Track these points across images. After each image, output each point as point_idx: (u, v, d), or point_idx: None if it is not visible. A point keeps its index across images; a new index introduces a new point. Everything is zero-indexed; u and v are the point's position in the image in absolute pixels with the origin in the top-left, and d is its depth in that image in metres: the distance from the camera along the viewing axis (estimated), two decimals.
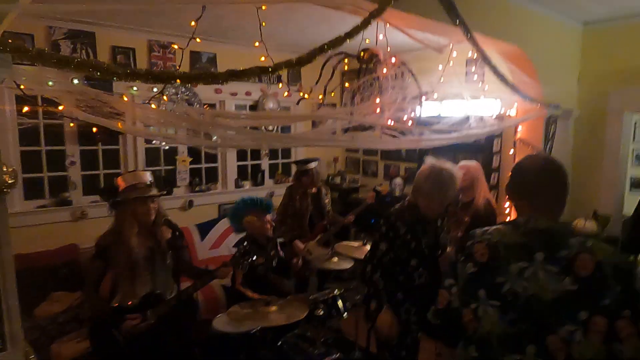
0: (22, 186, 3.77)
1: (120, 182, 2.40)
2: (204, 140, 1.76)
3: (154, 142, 4.41)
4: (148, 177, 2.40)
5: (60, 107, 2.02)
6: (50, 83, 3.84)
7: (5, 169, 1.17)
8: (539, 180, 1.32)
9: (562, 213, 1.32)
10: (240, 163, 5.20)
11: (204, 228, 4.53)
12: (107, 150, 4.20)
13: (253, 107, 5.20)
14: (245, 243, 3.08)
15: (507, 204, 3.61)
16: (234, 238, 4.64)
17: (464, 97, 2.78)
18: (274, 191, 5.39)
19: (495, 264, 1.30)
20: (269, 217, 3.25)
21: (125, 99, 2.01)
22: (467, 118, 2.84)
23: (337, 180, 5.69)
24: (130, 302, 2.29)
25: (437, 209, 2.17)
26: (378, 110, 2.04)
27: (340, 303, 2.89)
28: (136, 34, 4.19)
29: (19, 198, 3.74)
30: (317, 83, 2.55)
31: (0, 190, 1.12)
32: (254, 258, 2.70)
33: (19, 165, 3.72)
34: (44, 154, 3.88)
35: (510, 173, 1.40)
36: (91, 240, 3.90)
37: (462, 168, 2.78)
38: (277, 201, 5.39)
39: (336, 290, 2.94)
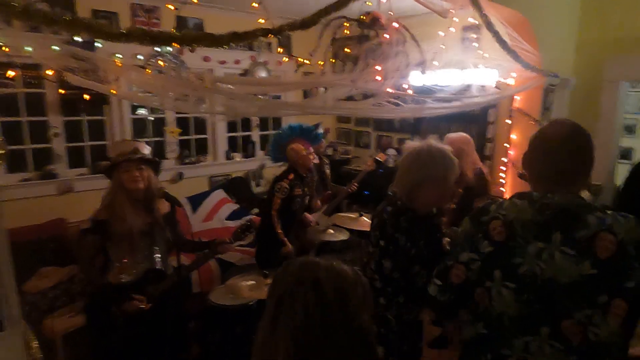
0: (4, 159, 3.61)
1: (109, 152, 2.30)
2: (209, 109, 1.65)
3: (138, 111, 4.25)
4: (139, 145, 2.26)
5: (50, 72, 1.88)
6: (28, 49, 3.65)
7: None
8: (565, 150, 1.22)
9: (584, 187, 1.25)
10: (231, 134, 5.08)
11: (196, 200, 4.45)
12: (92, 121, 4.03)
13: (242, 75, 5.02)
14: (290, 175, 3.12)
15: (504, 174, 3.61)
16: (226, 210, 4.59)
17: (465, 66, 2.71)
18: (265, 162, 5.30)
19: (512, 244, 1.23)
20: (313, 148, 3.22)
21: (119, 64, 1.86)
22: (468, 87, 2.78)
23: (329, 151, 5.63)
24: (128, 279, 2.22)
25: (432, 198, 1.78)
26: (379, 77, 1.96)
27: None
28: None
29: (1, 171, 3.58)
30: (312, 52, 2.44)
31: None
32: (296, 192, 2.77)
33: None
34: (25, 124, 3.70)
35: (531, 140, 1.30)
36: (78, 215, 3.82)
37: (447, 139, 2.75)
38: (268, 173, 5.34)
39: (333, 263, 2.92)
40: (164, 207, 2.37)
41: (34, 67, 3.68)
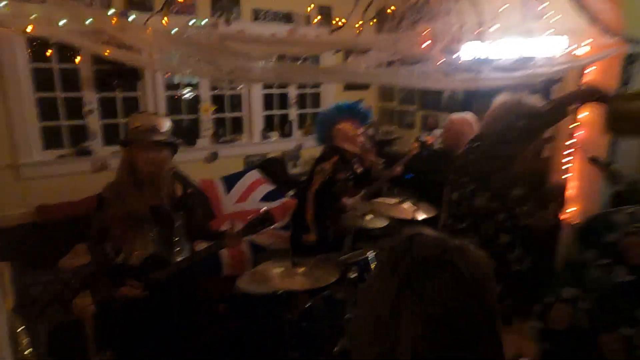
0: (41, 135, 3.61)
1: (129, 124, 2.12)
2: (216, 73, 1.43)
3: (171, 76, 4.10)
4: (158, 121, 2.06)
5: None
6: (60, 23, 3.57)
7: None
8: None
9: None
10: (267, 112, 4.87)
11: (230, 181, 4.31)
12: (126, 97, 3.95)
13: None
14: (334, 157, 2.89)
15: (569, 159, 3.15)
16: (261, 191, 4.43)
17: (530, 31, 2.31)
18: (302, 143, 5.08)
19: None
20: (361, 129, 2.99)
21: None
22: (530, 58, 2.38)
23: (370, 131, 5.30)
24: (131, 262, 2.09)
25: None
26: (427, 40, 1.64)
27: (373, 266, 2.63)
28: None
29: (37, 148, 3.58)
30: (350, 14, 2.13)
31: None
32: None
33: (35, 112, 3.54)
34: (61, 101, 3.67)
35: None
36: None
37: (448, 121, 2.85)
38: (305, 154, 5.12)
39: (370, 251, 2.67)
40: (176, 189, 2.19)
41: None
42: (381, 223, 2.97)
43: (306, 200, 2.96)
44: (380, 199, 3.09)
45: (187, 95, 4.46)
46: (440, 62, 1.69)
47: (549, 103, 2.09)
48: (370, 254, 2.64)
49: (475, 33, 1.83)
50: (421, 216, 2.75)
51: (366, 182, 3.32)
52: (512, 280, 1.89)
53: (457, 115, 2.94)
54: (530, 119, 1.73)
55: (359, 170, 3.21)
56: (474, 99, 4.17)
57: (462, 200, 1.88)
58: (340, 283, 2.56)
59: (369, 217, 3.04)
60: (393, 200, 2.93)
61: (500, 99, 2.03)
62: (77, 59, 3.32)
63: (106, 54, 2.09)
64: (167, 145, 2.07)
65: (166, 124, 2.12)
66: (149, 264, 2.07)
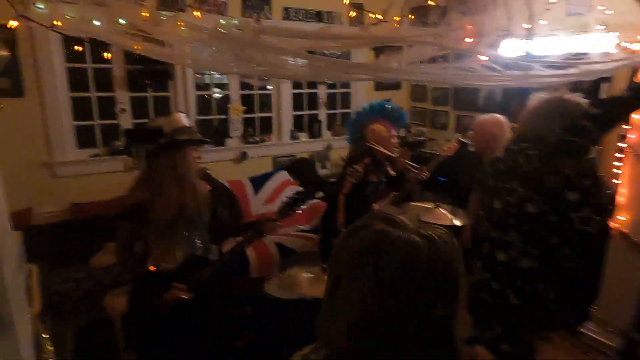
0: (75, 134, 3.66)
1: (164, 123, 2.03)
2: (244, 68, 1.35)
3: (213, 90, 4.11)
4: (183, 119, 2.03)
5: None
6: (96, 22, 3.60)
7: None
8: None
9: None
10: (297, 113, 4.81)
11: (258, 181, 4.27)
12: (157, 97, 3.97)
13: (310, 51, 4.71)
14: (366, 158, 2.79)
15: (620, 163, 2.94)
16: (289, 192, 4.35)
17: (585, 25, 2.15)
18: (332, 143, 4.99)
19: None
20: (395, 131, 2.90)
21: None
22: (583, 54, 2.22)
23: (401, 132, 5.16)
24: (169, 266, 2.04)
25: None
26: (470, 36, 1.52)
27: None
28: None
29: (71, 146, 3.64)
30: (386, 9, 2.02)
31: None
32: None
33: (70, 111, 3.59)
34: (94, 100, 3.72)
35: None
36: None
37: (477, 122, 2.74)
38: (334, 155, 5.03)
39: None
40: (204, 188, 2.14)
41: (102, 41, 3.66)
42: None
43: (337, 204, 2.86)
44: (413, 203, 2.95)
45: (216, 95, 4.46)
46: (487, 57, 1.56)
47: (608, 100, 1.90)
48: None
49: (524, 27, 1.69)
50: (458, 222, 2.61)
51: (399, 186, 3.20)
52: (561, 285, 1.74)
53: (488, 116, 2.79)
54: (601, 118, 1.56)
55: (392, 173, 3.09)
56: (513, 100, 3.97)
57: (509, 208, 1.73)
58: None
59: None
60: (428, 205, 2.80)
61: (538, 98, 1.85)
62: (109, 56, 3.36)
63: (138, 49, 2.06)
64: (202, 143, 2.03)
65: (186, 119, 2.08)
66: (190, 264, 2.03)
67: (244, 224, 2.32)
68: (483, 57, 1.63)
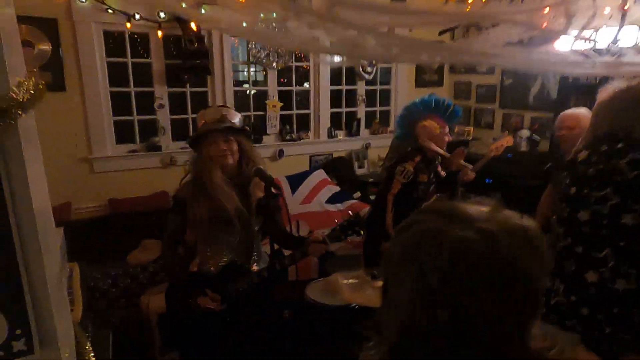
0: (113, 129, 3.63)
1: (198, 120, 1.97)
2: (313, 47, 1.21)
3: (244, 85, 4.03)
4: (227, 112, 1.90)
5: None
6: (136, 16, 3.56)
7: (18, 80, 0.72)
8: None
9: None
10: (335, 110, 4.66)
11: (295, 180, 4.14)
12: (195, 93, 3.90)
13: None
14: (417, 157, 2.63)
15: None
16: (326, 192, 4.22)
17: None
18: (370, 142, 4.81)
19: None
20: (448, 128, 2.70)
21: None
22: None
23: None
24: (208, 270, 1.93)
25: None
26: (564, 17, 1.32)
27: None
28: None
29: (110, 142, 3.61)
30: None
31: (7, 110, 0.68)
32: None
33: (109, 106, 3.57)
34: (133, 95, 3.68)
35: None
36: None
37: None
38: (373, 154, 4.86)
39: None
40: (258, 189, 2.00)
41: (142, 35, 3.63)
42: None
43: (385, 205, 2.69)
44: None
45: (252, 92, 4.37)
46: (578, 42, 1.36)
47: None
48: None
49: (619, 9, 1.48)
50: None
51: (448, 187, 3.00)
52: None
53: (573, 112, 2.55)
54: None
55: (442, 173, 2.90)
56: (570, 97, 3.69)
57: (599, 219, 1.49)
58: None
59: None
60: (484, 208, 2.58)
61: (614, 89, 1.56)
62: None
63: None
64: (236, 133, 1.88)
65: (236, 116, 1.95)
66: (227, 272, 1.91)
67: (296, 238, 2.11)
68: (581, 42, 1.43)
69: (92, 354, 0.98)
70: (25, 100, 0.71)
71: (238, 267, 1.93)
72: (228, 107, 1.99)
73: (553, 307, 1.53)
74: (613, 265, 1.43)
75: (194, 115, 3.92)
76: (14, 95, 0.68)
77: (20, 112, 0.71)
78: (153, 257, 3.40)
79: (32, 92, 0.73)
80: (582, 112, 2.53)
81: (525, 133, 4.06)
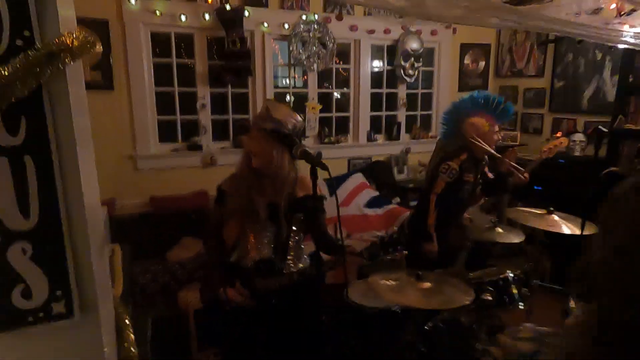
0: (156, 128, 3.71)
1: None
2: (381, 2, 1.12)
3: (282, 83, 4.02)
4: (281, 112, 1.80)
5: None
6: (182, 18, 3.64)
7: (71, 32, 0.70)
8: None
9: None
10: (374, 113, 4.58)
11: (333, 183, 4.07)
12: (236, 94, 3.93)
13: (392, 47, 4.48)
14: (463, 154, 2.55)
15: None
16: (365, 196, 4.13)
17: None
18: (410, 147, 4.69)
19: None
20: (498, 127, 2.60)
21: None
22: None
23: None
24: (243, 263, 1.88)
25: None
26: None
27: (514, 288, 2.16)
28: None
29: (154, 140, 3.69)
30: None
31: (57, 54, 0.65)
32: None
33: (154, 106, 3.65)
34: (176, 95, 3.75)
35: None
36: None
37: None
38: (413, 159, 4.73)
39: (508, 271, 2.20)
40: (301, 189, 1.92)
41: (187, 36, 3.70)
42: (518, 238, 2.46)
43: (427, 205, 2.58)
44: (519, 208, 2.58)
45: (292, 93, 4.36)
46: None
47: None
48: (510, 274, 2.17)
49: None
50: (578, 231, 2.21)
51: (496, 190, 2.84)
52: None
53: None
54: None
55: (490, 175, 2.75)
56: (632, 97, 3.44)
57: None
58: (469, 306, 2.13)
59: (499, 229, 2.55)
60: (540, 210, 2.41)
61: None
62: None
63: None
64: (275, 135, 1.78)
65: (291, 119, 1.82)
66: (259, 268, 1.85)
67: (333, 244, 2.01)
68: None
69: (131, 330, 0.94)
70: (74, 47, 0.68)
71: (271, 264, 1.87)
72: (289, 110, 1.89)
73: None
74: None
75: (235, 116, 3.94)
76: (65, 40, 0.66)
77: (69, 59, 0.68)
78: (192, 254, 3.41)
79: (81, 41, 0.70)
80: None
81: (580, 136, 3.82)
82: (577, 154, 3.77)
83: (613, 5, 1.40)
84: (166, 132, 3.77)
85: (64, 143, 0.73)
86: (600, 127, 2.66)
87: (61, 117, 0.72)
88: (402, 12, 1.06)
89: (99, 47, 3.08)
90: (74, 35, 0.69)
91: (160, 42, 3.65)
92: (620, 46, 1.78)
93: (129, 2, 3.32)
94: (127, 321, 0.93)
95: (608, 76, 3.88)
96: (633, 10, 1.17)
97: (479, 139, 2.49)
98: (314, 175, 1.58)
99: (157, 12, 3.40)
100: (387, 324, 2.33)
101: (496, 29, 3.68)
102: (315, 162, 1.58)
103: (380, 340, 2.33)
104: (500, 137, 2.57)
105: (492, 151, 2.54)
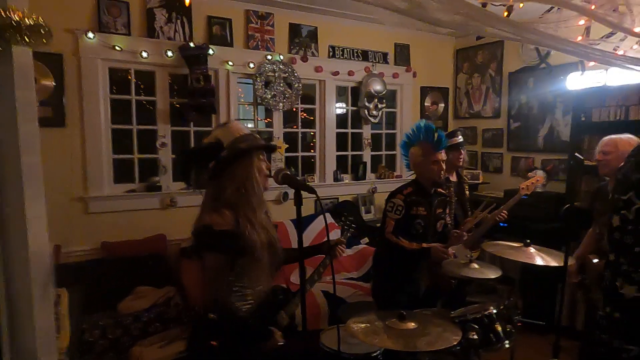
0: (112, 168, 3.46)
1: (221, 136, 1.67)
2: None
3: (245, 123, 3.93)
4: (244, 127, 1.73)
5: None
6: (144, 55, 3.52)
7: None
8: None
9: None
10: (340, 153, 4.55)
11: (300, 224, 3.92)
12: (198, 132, 3.79)
13: (356, 88, 4.55)
14: (407, 189, 2.47)
15: None
16: (333, 237, 4.00)
17: None
18: (377, 187, 4.67)
19: None
20: (442, 155, 2.47)
21: None
22: None
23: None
24: (248, 307, 1.67)
25: None
26: None
27: (499, 326, 2.06)
28: (233, 3, 3.77)
29: (108, 181, 3.42)
30: None
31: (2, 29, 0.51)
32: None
33: (110, 144, 3.42)
34: (135, 133, 3.55)
35: None
36: (179, 232, 3.51)
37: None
38: (379, 199, 4.70)
39: (491, 307, 2.11)
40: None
41: (147, 73, 3.57)
42: (494, 273, 2.39)
43: (387, 245, 2.46)
44: (496, 242, 2.53)
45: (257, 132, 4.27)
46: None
47: None
48: (494, 310, 2.07)
49: None
50: (554, 263, 2.18)
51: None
52: None
53: (611, 137, 2.51)
54: None
55: (440, 212, 2.64)
56: (585, 135, 3.62)
57: (626, 224, 1.39)
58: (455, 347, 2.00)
59: (475, 265, 2.48)
60: (516, 243, 2.38)
61: None
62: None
63: None
64: (273, 151, 1.76)
65: (249, 131, 1.76)
66: (269, 303, 1.69)
67: (309, 247, 1.94)
68: None
69: None
70: (24, 25, 0.54)
71: (285, 291, 1.72)
72: (239, 121, 1.82)
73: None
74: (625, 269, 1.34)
75: (215, 135, 3.77)
76: (11, 14, 0.52)
77: (16, 40, 0.54)
78: (146, 305, 3.09)
79: (30, 23, 0.57)
80: (621, 138, 2.43)
81: (541, 173, 3.94)
82: (539, 190, 3.87)
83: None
84: (122, 172, 3.53)
85: (9, 182, 0.61)
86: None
87: (8, 154, 0.59)
88: (402, 13, 1.02)
89: (50, 81, 2.85)
90: (24, 13, 0.56)
91: (119, 78, 3.50)
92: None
93: (86, 36, 3.17)
94: None
95: (560, 116, 4.10)
96: (612, 34, 1.20)
97: (421, 167, 2.47)
98: (298, 202, 1.45)
99: (117, 48, 3.27)
100: None
101: (492, 37, 3.78)
102: (301, 185, 1.46)
103: None
104: (442, 167, 2.51)
105: (437, 179, 2.48)
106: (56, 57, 3.12)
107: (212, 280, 1.57)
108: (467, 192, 3.22)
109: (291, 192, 4.16)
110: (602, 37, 1.29)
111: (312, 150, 4.47)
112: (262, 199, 1.70)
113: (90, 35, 3.18)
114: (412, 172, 2.64)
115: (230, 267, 1.58)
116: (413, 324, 1.86)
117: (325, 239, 3.49)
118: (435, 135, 2.45)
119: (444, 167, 2.51)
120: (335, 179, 4.47)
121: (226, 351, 1.59)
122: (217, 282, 1.56)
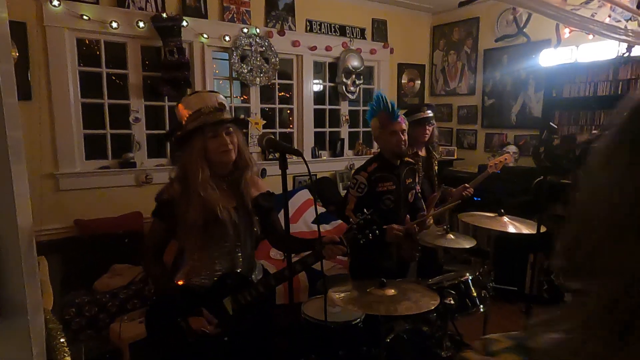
0: (83, 143, 3.34)
1: (182, 110, 1.69)
2: None
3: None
4: (217, 98, 1.68)
5: None
6: (114, 25, 3.37)
7: None
8: None
9: None
10: (318, 129, 4.54)
11: (279, 201, 3.92)
12: (173, 107, 3.67)
13: (333, 64, 4.52)
14: (371, 165, 2.38)
15: None
16: (312, 213, 4.03)
17: None
18: (354, 163, 4.69)
19: None
20: (400, 125, 2.34)
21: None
22: None
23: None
24: (202, 282, 1.68)
25: None
26: None
27: (474, 291, 2.14)
28: None
29: (79, 157, 3.31)
30: None
31: None
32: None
33: (80, 119, 3.30)
34: (106, 107, 3.42)
35: None
36: None
37: None
38: None
39: (467, 273, 2.19)
40: (253, 187, 1.80)
41: (118, 45, 3.43)
42: (469, 243, 2.46)
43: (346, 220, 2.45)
44: (472, 213, 2.61)
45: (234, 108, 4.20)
46: None
47: None
48: (470, 276, 2.15)
49: None
50: (526, 230, 2.27)
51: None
52: None
53: None
54: None
55: (410, 182, 2.61)
56: (555, 114, 3.72)
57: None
58: (433, 312, 2.07)
59: (451, 236, 2.54)
60: (490, 213, 2.46)
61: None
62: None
63: None
64: (240, 124, 1.72)
65: (219, 98, 1.71)
66: (226, 284, 1.66)
67: (302, 240, 1.87)
68: None
69: (67, 352, 0.73)
70: None
71: (237, 276, 1.69)
72: (218, 92, 1.76)
73: None
74: None
75: (176, 105, 3.68)
76: None
77: None
78: (123, 282, 3.05)
79: None
80: None
81: (513, 148, 4.05)
82: (511, 164, 3.98)
83: None
84: (94, 149, 3.41)
85: None
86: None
87: None
88: None
89: (13, 52, 2.70)
90: None
91: (88, 50, 3.35)
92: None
93: (51, 4, 3.01)
94: (62, 340, 0.72)
95: (532, 93, 4.20)
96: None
97: (383, 140, 2.38)
98: (283, 166, 1.45)
99: (85, 17, 3.12)
100: (347, 340, 2.19)
101: None
102: (286, 148, 1.46)
103: (343, 357, 2.18)
104: (425, 139, 2.49)
105: (400, 152, 2.38)
106: (19, 26, 2.95)
107: (151, 239, 1.69)
108: (436, 168, 3.23)
109: (269, 168, 4.16)
110: (581, 4, 1.32)
111: (291, 127, 4.44)
112: (225, 172, 1.70)
113: (56, 2, 3.01)
114: None
115: (172, 235, 1.67)
116: (393, 290, 1.92)
117: (297, 223, 3.46)
118: (390, 105, 2.39)
119: (405, 138, 2.40)
120: (314, 156, 4.46)
121: (151, 315, 1.71)
122: (159, 244, 1.68)
